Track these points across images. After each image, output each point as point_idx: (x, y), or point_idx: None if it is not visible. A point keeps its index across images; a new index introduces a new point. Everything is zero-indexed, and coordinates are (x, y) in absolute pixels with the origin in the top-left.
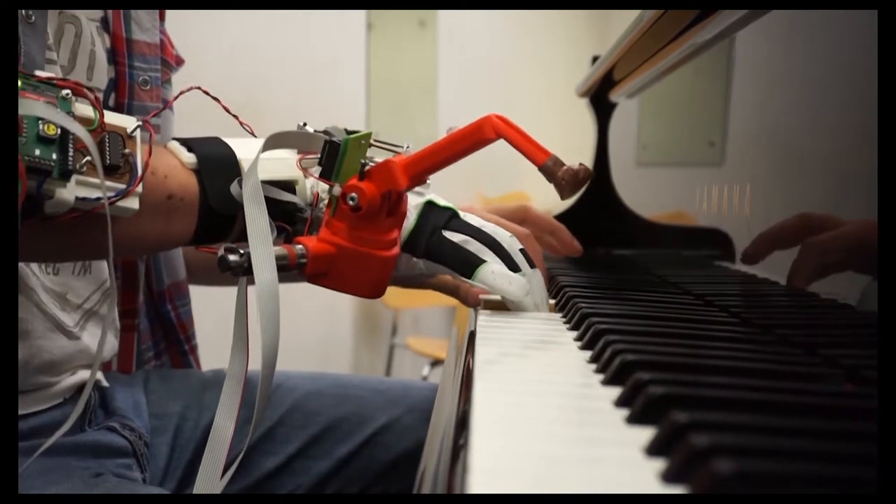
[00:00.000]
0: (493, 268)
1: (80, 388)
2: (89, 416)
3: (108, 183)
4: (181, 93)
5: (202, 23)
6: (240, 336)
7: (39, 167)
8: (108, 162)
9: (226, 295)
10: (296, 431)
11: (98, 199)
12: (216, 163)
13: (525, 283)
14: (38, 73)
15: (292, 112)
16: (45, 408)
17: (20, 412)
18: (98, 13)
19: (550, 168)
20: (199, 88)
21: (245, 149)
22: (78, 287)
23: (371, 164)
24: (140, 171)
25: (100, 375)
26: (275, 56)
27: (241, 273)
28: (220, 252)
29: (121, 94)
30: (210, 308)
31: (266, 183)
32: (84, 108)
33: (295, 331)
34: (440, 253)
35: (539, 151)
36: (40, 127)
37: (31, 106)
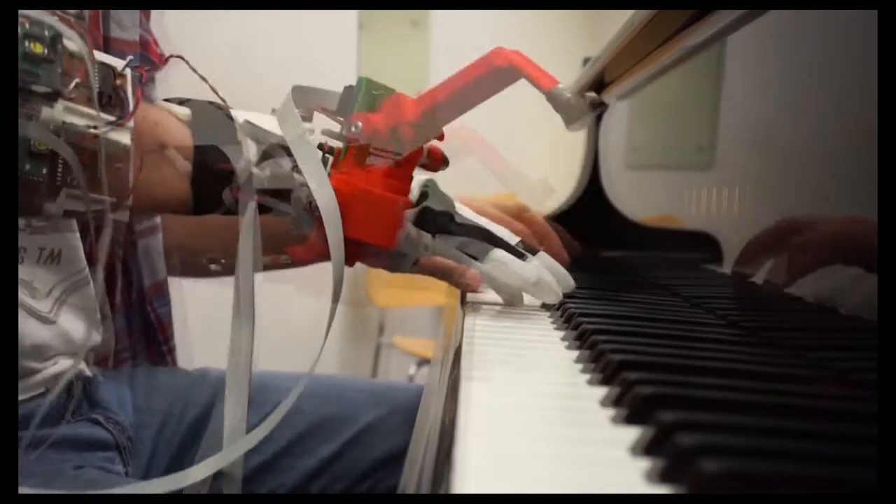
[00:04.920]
0: (503, 253)
1: (60, 377)
2: (73, 406)
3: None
4: (166, 59)
5: (193, 22)
6: (246, 313)
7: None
8: (98, 89)
9: (207, 295)
10: (280, 430)
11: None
12: (211, 115)
13: (535, 271)
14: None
15: None
16: (28, 397)
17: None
18: (72, 12)
19: (557, 94)
20: (180, 57)
21: (239, 112)
22: (43, 276)
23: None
24: (132, 107)
25: (83, 365)
26: (265, 55)
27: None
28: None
29: None
30: (191, 308)
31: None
32: (71, 45)
33: (281, 329)
34: (451, 232)
35: (546, 78)
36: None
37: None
